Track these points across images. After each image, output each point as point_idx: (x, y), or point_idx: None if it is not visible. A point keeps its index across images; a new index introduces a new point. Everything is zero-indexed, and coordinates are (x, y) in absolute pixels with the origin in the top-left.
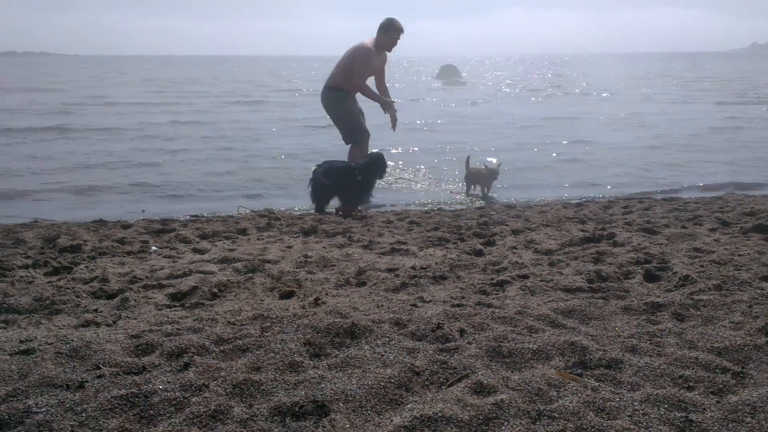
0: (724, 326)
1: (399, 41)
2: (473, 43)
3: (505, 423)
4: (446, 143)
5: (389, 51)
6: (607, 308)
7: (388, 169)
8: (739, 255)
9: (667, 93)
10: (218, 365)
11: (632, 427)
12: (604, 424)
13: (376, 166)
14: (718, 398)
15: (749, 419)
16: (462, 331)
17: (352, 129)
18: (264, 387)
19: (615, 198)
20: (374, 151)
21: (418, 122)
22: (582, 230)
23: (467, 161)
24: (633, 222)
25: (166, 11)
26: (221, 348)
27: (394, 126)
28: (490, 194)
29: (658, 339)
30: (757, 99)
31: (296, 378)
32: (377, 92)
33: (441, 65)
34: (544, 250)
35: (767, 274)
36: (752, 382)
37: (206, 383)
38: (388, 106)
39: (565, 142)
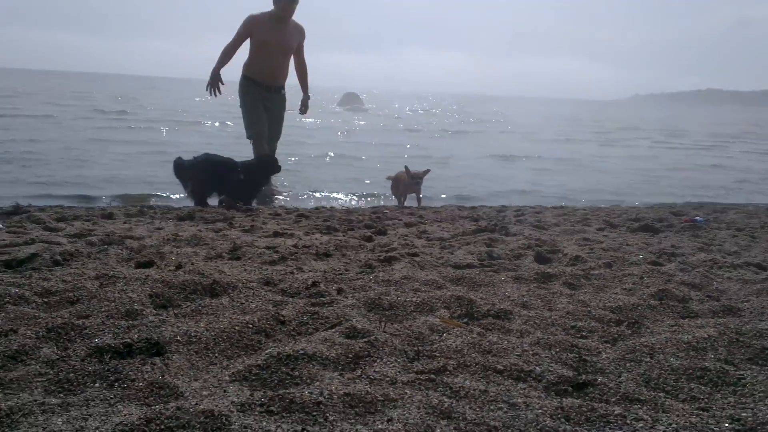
0: (617, 293)
1: (293, 8)
2: (375, 78)
3: (378, 360)
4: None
5: (283, 18)
6: (497, 278)
7: (277, 174)
8: (627, 245)
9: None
10: (36, 314)
11: (522, 364)
12: (489, 360)
13: (262, 167)
14: (612, 346)
15: (648, 359)
16: (340, 291)
17: (245, 122)
18: (87, 331)
19: (508, 205)
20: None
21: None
22: (475, 225)
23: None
24: (525, 221)
25: (55, 25)
26: (45, 300)
27: (303, 109)
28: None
29: (550, 299)
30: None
31: (131, 323)
32: (300, 74)
33: (343, 93)
34: (436, 238)
35: (655, 260)
36: (649, 332)
37: (14, 328)
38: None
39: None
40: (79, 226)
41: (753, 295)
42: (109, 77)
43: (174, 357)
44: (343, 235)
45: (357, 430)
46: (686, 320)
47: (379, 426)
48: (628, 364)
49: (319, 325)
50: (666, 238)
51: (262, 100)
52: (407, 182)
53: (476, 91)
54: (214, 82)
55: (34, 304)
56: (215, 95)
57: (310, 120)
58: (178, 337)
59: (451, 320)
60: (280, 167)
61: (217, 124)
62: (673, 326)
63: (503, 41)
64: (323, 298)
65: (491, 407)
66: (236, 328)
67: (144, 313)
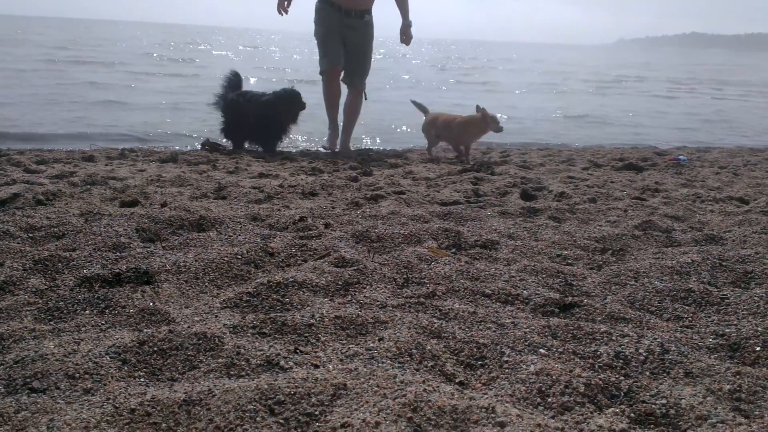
0: (601, 225)
1: None
2: None
3: (368, 287)
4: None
5: None
6: (483, 213)
7: (300, 112)
8: (612, 182)
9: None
10: (22, 248)
11: (509, 288)
12: (479, 285)
13: (283, 103)
14: (597, 271)
15: (633, 282)
16: (327, 225)
17: (319, 54)
18: (75, 263)
19: (494, 147)
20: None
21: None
22: (461, 165)
23: (422, 109)
24: (510, 161)
25: None
26: (31, 235)
27: (405, 39)
28: (471, 157)
29: (536, 231)
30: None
31: (118, 255)
32: None
33: None
34: (422, 178)
35: (639, 195)
36: (633, 258)
37: (0, 261)
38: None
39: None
40: (60, 168)
41: (735, 225)
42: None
43: (164, 286)
44: (329, 176)
45: (348, 348)
46: (670, 248)
47: (371, 345)
48: (613, 288)
49: (308, 256)
50: (650, 175)
51: (340, 27)
52: (461, 125)
53: (459, 36)
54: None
55: (19, 239)
56: (282, 13)
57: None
58: (167, 267)
59: (439, 250)
60: (304, 104)
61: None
62: (657, 253)
63: None
64: (311, 232)
65: (480, 327)
66: (225, 259)
67: (131, 245)
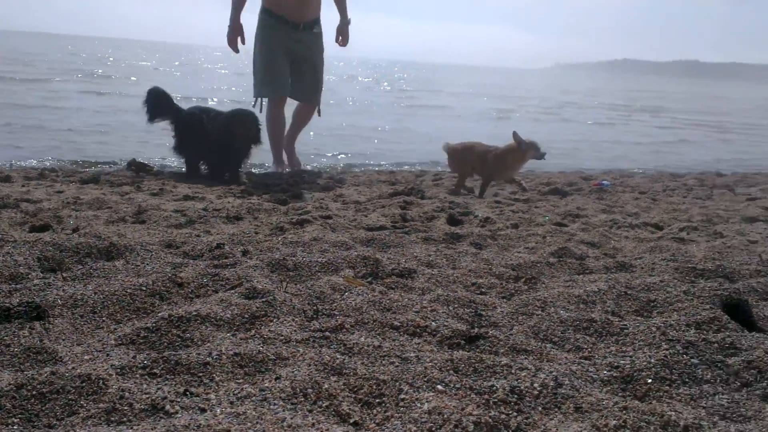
0: (519, 251)
1: None
2: None
3: (275, 320)
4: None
5: None
6: (407, 239)
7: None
8: (536, 207)
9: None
10: None
11: (418, 320)
12: (387, 317)
13: (234, 125)
14: (508, 300)
15: (539, 312)
16: (245, 252)
17: (255, 76)
18: None
19: (426, 170)
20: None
21: None
22: (392, 188)
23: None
24: (442, 185)
25: None
26: None
27: (342, 39)
28: (523, 187)
29: (455, 258)
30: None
31: (13, 287)
32: None
33: None
34: (352, 201)
35: (560, 221)
36: (544, 287)
37: None
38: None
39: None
40: None
41: (647, 252)
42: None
43: (56, 321)
44: (258, 199)
45: (243, 389)
46: (581, 276)
47: (266, 384)
48: (520, 317)
49: (219, 286)
50: (573, 200)
51: (287, 42)
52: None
53: (398, 57)
54: (234, 34)
55: None
56: (237, 51)
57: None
58: (63, 300)
59: (354, 279)
60: (258, 127)
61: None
62: (567, 281)
63: (426, 6)
64: (226, 260)
65: (383, 362)
66: (128, 290)
67: (29, 276)
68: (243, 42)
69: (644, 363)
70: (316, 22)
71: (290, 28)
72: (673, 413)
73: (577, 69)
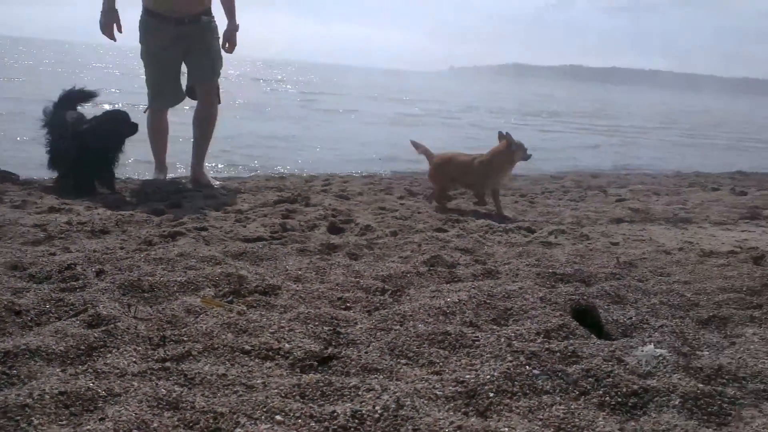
0: (393, 260)
1: None
2: None
3: (115, 351)
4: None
5: None
6: (281, 251)
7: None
8: (419, 212)
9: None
10: None
11: (272, 341)
12: (239, 341)
13: (107, 128)
14: (369, 315)
15: (398, 327)
16: (100, 272)
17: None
18: None
19: (317, 174)
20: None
21: None
22: (278, 195)
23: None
24: (330, 191)
25: None
26: None
27: (228, 45)
28: (502, 206)
29: (326, 271)
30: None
31: None
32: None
33: None
34: (234, 210)
35: (441, 226)
36: (408, 299)
37: None
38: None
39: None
40: None
41: (514, 257)
42: None
43: None
44: (131, 209)
45: None
46: (448, 285)
47: (88, 427)
48: (378, 333)
49: (62, 313)
50: (456, 204)
51: (175, 40)
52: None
53: (290, 57)
54: (108, 21)
55: None
56: (113, 39)
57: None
58: None
59: (212, 300)
60: (135, 126)
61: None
62: (434, 292)
63: (320, 7)
64: (75, 282)
65: (226, 392)
66: None
67: None
68: (120, 30)
69: (488, 376)
70: (206, 13)
71: (173, 25)
72: (507, 429)
73: (470, 72)
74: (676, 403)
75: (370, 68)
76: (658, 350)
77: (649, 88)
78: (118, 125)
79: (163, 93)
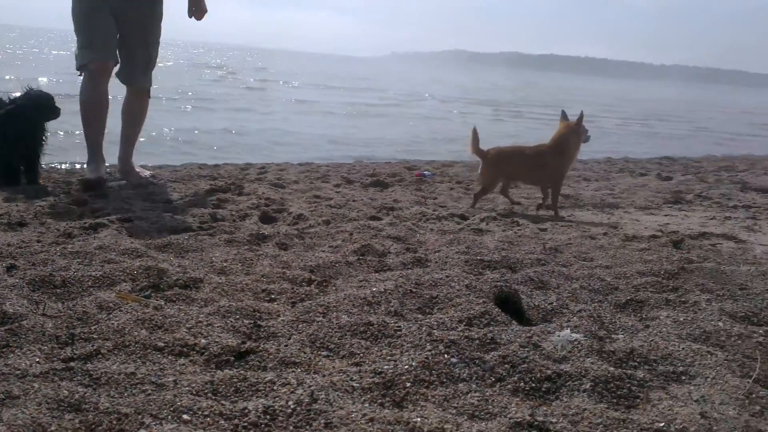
0: (324, 250)
1: None
2: None
3: (17, 350)
4: None
5: None
6: (208, 242)
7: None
8: (354, 200)
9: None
10: None
11: (188, 337)
12: (153, 337)
13: (27, 110)
14: (293, 307)
15: (320, 318)
16: (11, 267)
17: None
18: None
19: (254, 163)
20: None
21: None
22: (211, 184)
23: (473, 135)
24: (265, 179)
25: None
26: None
27: (196, 11)
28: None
29: (253, 262)
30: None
31: None
32: None
33: None
34: (163, 201)
35: (375, 214)
36: (335, 289)
37: None
38: None
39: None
40: None
41: (445, 245)
42: None
43: None
44: (54, 199)
45: None
46: (377, 274)
47: None
48: (300, 325)
49: None
50: (393, 192)
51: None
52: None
53: (228, 41)
54: None
55: None
56: None
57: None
58: None
59: (128, 295)
60: (57, 109)
61: None
62: (362, 281)
63: None
64: None
65: (134, 391)
66: None
67: None
68: None
69: (406, 366)
70: None
71: None
72: (419, 419)
73: (413, 58)
74: (587, 387)
75: (308, 53)
76: (574, 335)
77: (587, 75)
78: (39, 109)
79: (96, 40)
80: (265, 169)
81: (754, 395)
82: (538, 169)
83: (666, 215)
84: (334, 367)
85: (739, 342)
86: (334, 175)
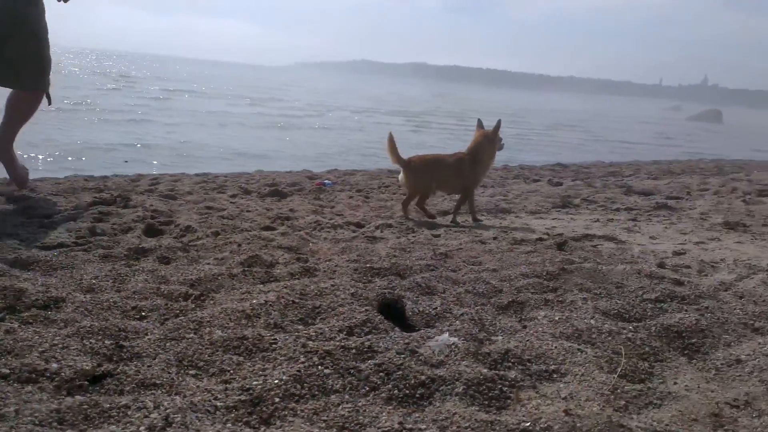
0: (208, 262)
1: None
2: None
3: None
4: None
5: None
6: (82, 257)
7: None
8: (248, 211)
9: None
10: None
11: (38, 362)
12: (1, 363)
13: None
14: (162, 324)
15: (192, 334)
16: None
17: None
18: None
19: (146, 174)
20: None
21: None
22: (96, 196)
23: (390, 143)
24: (156, 190)
25: None
26: None
27: None
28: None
29: (126, 278)
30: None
31: None
32: None
33: None
34: (40, 215)
35: (269, 224)
36: (212, 303)
37: None
38: None
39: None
40: None
41: (337, 254)
42: None
43: None
44: None
45: None
46: (261, 286)
47: None
48: (169, 344)
49: None
50: (291, 201)
51: None
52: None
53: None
54: None
55: None
56: None
57: None
58: None
59: None
60: None
61: None
62: (244, 294)
63: None
64: None
65: None
66: None
67: None
68: None
69: (276, 381)
70: None
71: None
72: None
73: (319, 68)
74: (460, 390)
75: (209, 61)
76: (452, 339)
77: (491, 86)
78: None
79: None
80: (157, 180)
81: (619, 390)
82: (458, 176)
83: (554, 219)
84: (198, 386)
85: (609, 338)
86: (231, 185)
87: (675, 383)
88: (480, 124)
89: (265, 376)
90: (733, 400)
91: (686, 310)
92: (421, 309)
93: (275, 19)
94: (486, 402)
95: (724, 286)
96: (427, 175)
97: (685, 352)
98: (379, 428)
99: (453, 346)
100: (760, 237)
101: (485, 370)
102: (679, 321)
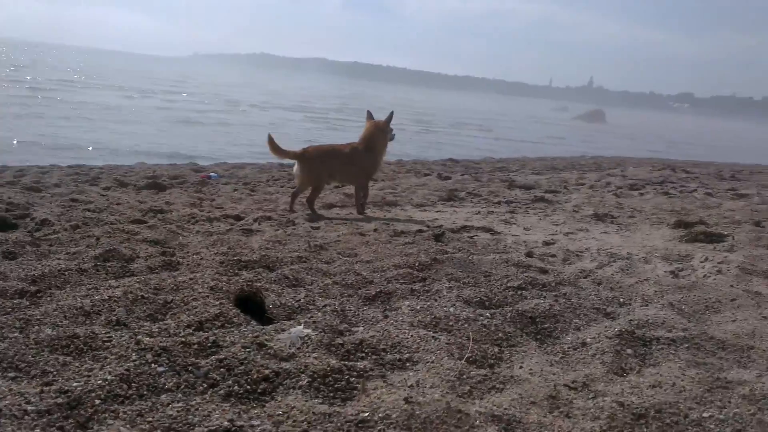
0: (59, 257)
1: None
2: None
3: None
4: None
5: None
6: None
7: None
8: (118, 204)
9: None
10: None
11: None
12: None
13: None
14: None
15: (17, 334)
16: None
17: None
18: None
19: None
20: None
21: None
22: None
23: (270, 140)
24: (18, 183)
25: None
26: None
27: None
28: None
29: None
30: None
31: None
32: None
33: None
34: None
35: (140, 217)
36: (49, 300)
37: None
38: None
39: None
40: None
41: (207, 247)
42: None
43: None
44: None
45: None
46: (114, 281)
47: None
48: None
49: None
50: (170, 194)
51: None
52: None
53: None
54: None
55: None
56: None
57: None
58: None
59: None
60: None
61: None
62: (90, 290)
63: None
64: None
65: None
66: None
67: None
68: None
69: (100, 381)
70: None
71: None
72: None
73: (217, 59)
74: (304, 383)
75: (106, 51)
76: (305, 330)
77: (391, 84)
78: None
79: None
80: (23, 172)
81: (464, 376)
82: (353, 165)
83: (438, 211)
84: (11, 389)
85: (465, 325)
86: (106, 177)
87: (521, 367)
88: (370, 116)
89: (89, 376)
90: (572, 382)
91: (544, 297)
92: (283, 302)
93: (165, 9)
94: (331, 394)
95: (584, 273)
96: (322, 164)
97: (538, 336)
98: (207, 427)
99: (306, 338)
100: (625, 228)
101: (334, 362)
102: (534, 307)
